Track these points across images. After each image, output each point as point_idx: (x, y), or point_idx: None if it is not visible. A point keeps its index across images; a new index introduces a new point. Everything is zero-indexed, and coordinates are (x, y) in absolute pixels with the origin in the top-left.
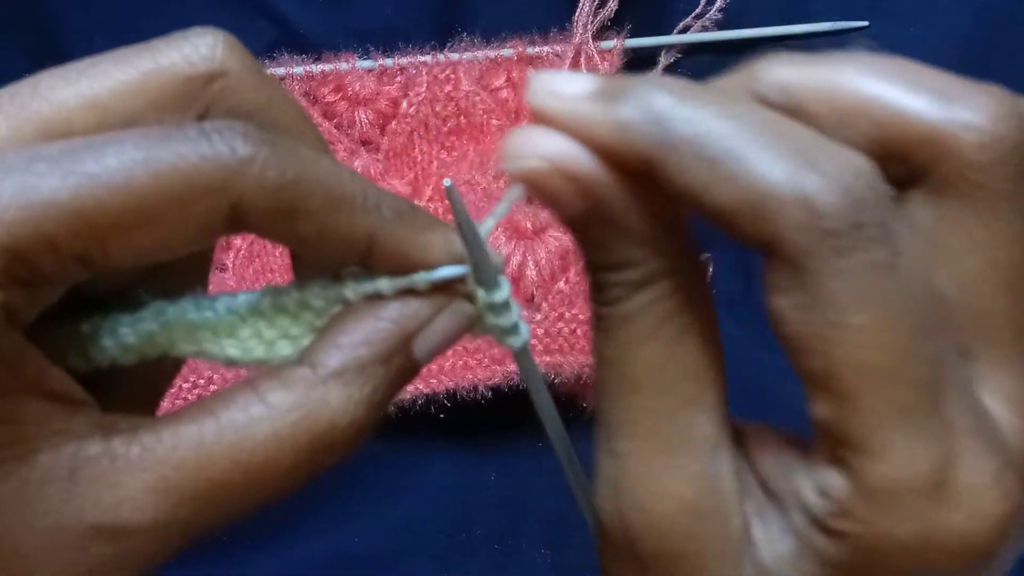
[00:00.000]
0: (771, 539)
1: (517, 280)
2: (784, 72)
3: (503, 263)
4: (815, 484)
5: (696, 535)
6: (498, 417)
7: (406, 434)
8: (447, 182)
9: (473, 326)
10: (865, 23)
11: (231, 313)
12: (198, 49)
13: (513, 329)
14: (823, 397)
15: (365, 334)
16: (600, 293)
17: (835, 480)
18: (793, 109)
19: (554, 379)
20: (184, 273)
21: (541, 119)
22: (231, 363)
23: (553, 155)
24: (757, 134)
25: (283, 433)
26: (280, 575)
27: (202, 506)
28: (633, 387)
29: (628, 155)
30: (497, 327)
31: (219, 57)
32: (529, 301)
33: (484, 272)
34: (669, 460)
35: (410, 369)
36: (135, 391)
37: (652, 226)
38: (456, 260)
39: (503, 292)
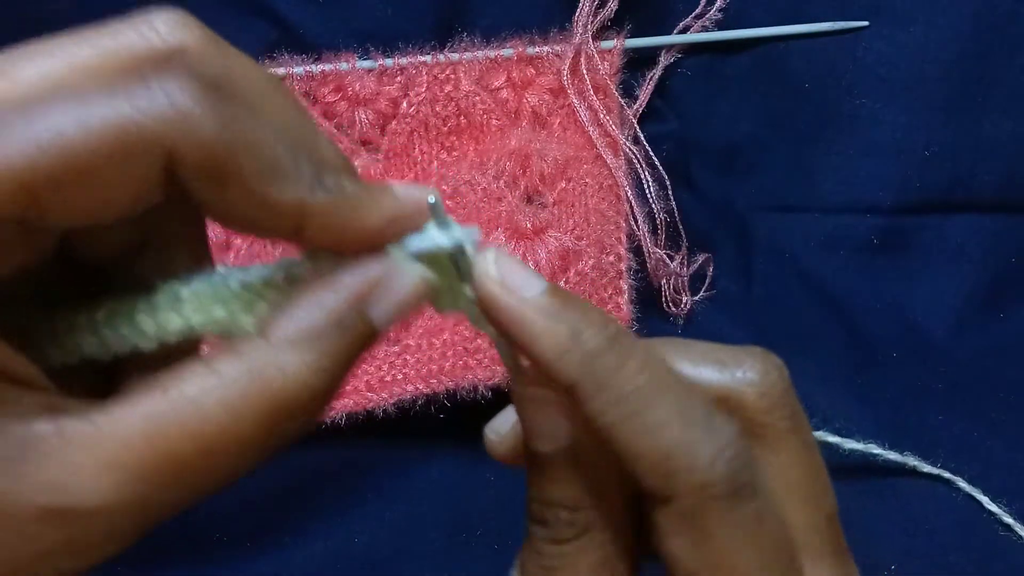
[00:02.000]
0: None
1: None
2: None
3: (477, 234)
4: None
5: None
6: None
7: (406, 434)
8: (432, 198)
9: (430, 290)
10: (865, 23)
11: (246, 288)
12: (156, 27)
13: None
14: None
15: (318, 301)
16: (547, 529)
17: None
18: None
19: None
20: (176, 245)
21: (488, 306)
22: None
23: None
24: (667, 393)
25: (235, 401)
26: (280, 575)
27: (156, 483)
28: None
29: (561, 373)
30: (470, 308)
31: (177, 34)
32: None
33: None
34: None
35: (368, 333)
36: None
37: (595, 478)
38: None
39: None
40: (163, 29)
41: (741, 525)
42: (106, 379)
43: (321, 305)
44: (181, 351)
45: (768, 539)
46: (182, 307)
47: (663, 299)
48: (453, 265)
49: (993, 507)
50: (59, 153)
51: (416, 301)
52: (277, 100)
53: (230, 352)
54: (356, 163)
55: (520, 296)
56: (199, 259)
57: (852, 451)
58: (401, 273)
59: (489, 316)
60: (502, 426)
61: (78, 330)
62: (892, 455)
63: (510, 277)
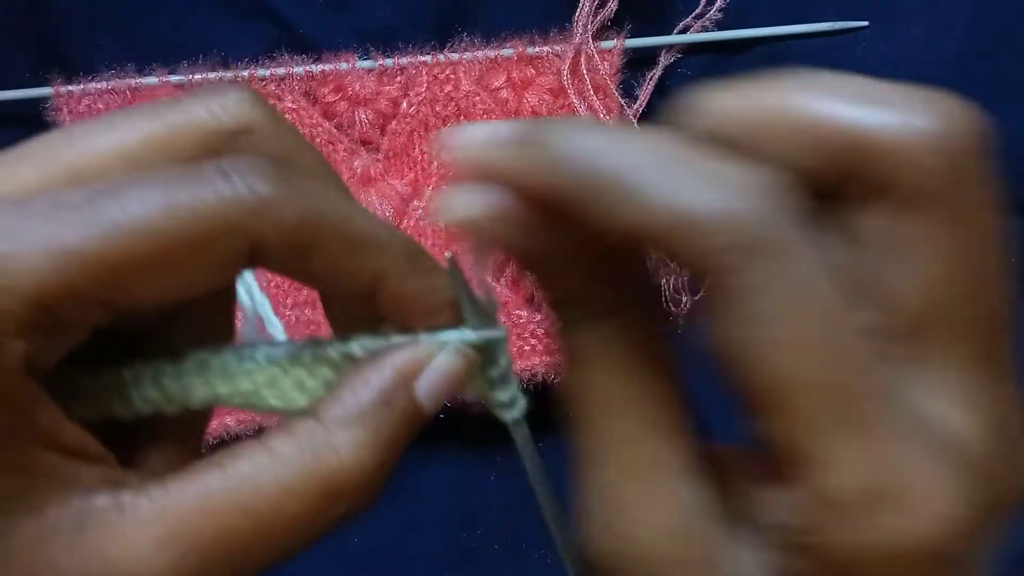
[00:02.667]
0: (746, 561)
1: (517, 280)
2: (726, 102)
3: (505, 337)
4: (779, 502)
5: (677, 561)
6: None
7: None
8: (450, 255)
9: (472, 367)
10: (865, 23)
11: (272, 363)
12: (225, 105)
13: (511, 403)
14: (766, 414)
15: (364, 380)
16: (562, 326)
17: (794, 496)
18: (738, 137)
19: (554, 379)
20: (209, 312)
21: (466, 170)
22: (273, 411)
23: (484, 206)
24: (676, 163)
25: (288, 479)
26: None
27: (210, 560)
28: (604, 418)
29: (558, 191)
30: (496, 399)
31: (244, 112)
32: (529, 301)
33: (486, 344)
34: (648, 489)
35: (415, 412)
36: (174, 439)
37: (599, 264)
38: (455, 308)
39: (502, 365)
40: (231, 107)
41: (789, 287)
42: (120, 436)
43: (368, 384)
44: (200, 414)
45: (834, 309)
46: (210, 377)
47: (663, 299)
48: (480, 353)
49: None
50: (148, 239)
51: (460, 380)
52: (332, 179)
53: (284, 431)
54: (356, 163)
55: (488, 149)
56: (226, 326)
57: None
58: (443, 352)
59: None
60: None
61: (105, 390)
62: None
63: (476, 138)
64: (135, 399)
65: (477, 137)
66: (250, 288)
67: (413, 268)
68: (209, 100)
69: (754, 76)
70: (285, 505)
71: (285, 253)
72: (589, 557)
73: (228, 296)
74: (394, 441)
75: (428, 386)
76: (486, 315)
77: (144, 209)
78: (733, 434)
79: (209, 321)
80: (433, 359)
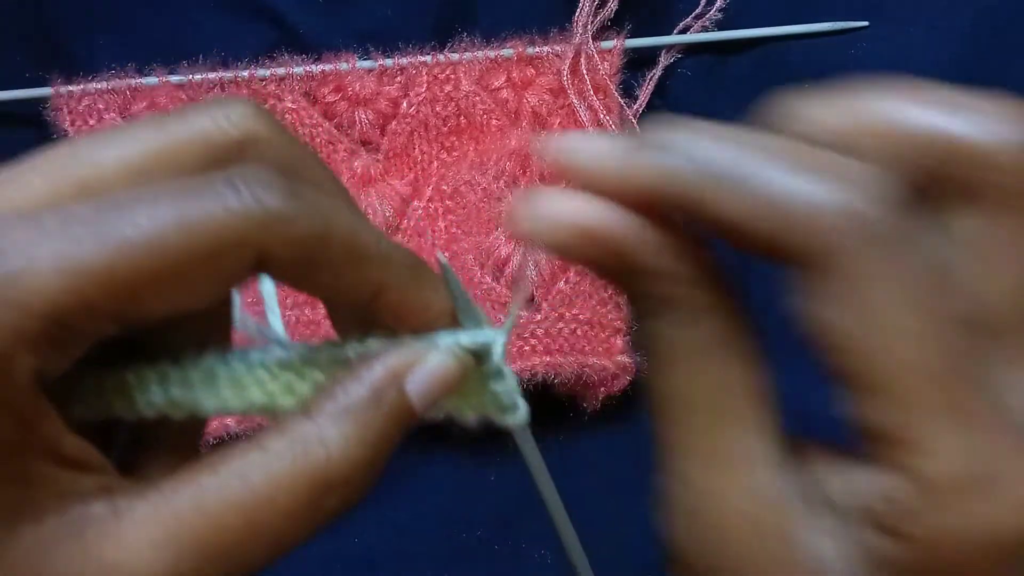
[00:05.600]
0: (837, 551)
1: (517, 280)
2: (818, 110)
3: (503, 345)
4: (875, 490)
5: (764, 550)
6: None
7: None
8: (442, 258)
9: (466, 369)
10: (865, 23)
11: (283, 369)
12: (229, 115)
13: (512, 408)
14: (873, 400)
15: (355, 377)
16: (646, 327)
17: (894, 483)
18: (832, 145)
19: (554, 379)
20: (209, 314)
21: (576, 178)
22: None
23: (582, 218)
24: (790, 160)
25: (279, 474)
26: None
27: (207, 559)
28: (690, 411)
29: (672, 199)
30: (497, 405)
31: (249, 123)
32: (529, 301)
33: (483, 351)
34: (732, 478)
35: (406, 409)
36: (174, 439)
37: (690, 264)
38: (453, 318)
39: (507, 381)
40: (237, 119)
41: (909, 277)
42: (118, 435)
43: (359, 381)
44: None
45: (948, 301)
46: (220, 389)
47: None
48: (477, 367)
49: None
50: (159, 252)
51: (453, 379)
52: (338, 186)
53: (275, 429)
54: (356, 163)
55: (592, 161)
56: (225, 327)
57: None
58: (436, 352)
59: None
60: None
61: (106, 391)
62: None
63: (581, 147)
64: (139, 403)
65: (589, 144)
66: (268, 295)
67: (414, 281)
68: (214, 111)
69: (839, 84)
70: (276, 500)
71: (291, 265)
72: (667, 547)
73: (227, 298)
74: (384, 438)
75: (419, 385)
76: (481, 318)
77: (154, 224)
78: (818, 419)
79: (208, 322)
80: (425, 358)
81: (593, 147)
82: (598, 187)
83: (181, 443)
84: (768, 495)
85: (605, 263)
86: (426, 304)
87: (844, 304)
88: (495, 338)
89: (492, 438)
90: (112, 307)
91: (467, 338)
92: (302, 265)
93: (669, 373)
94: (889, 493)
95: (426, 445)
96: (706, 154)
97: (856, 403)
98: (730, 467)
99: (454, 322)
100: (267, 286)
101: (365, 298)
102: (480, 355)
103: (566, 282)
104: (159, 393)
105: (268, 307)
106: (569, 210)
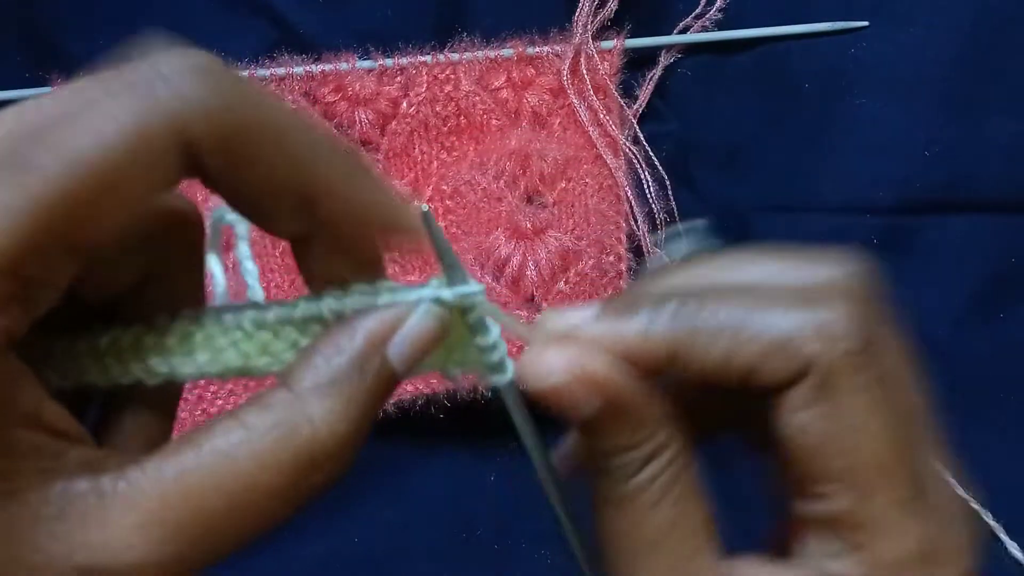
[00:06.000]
0: None
1: (517, 280)
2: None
3: (482, 290)
4: (829, 573)
5: None
6: (498, 417)
7: (406, 434)
8: (424, 208)
9: (446, 325)
10: (865, 23)
11: (259, 327)
12: (159, 65)
13: (499, 366)
14: (840, 493)
15: (336, 346)
16: (610, 474)
17: (849, 564)
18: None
19: None
20: (178, 277)
21: (568, 344)
22: (265, 374)
23: (575, 367)
24: (757, 296)
25: (263, 452)
26: (279, 574)
27: (191, 539)
28: (650, 549)
29: (653, 354)
30: (482, 361)
31: (176, 58)
32: (529, 301)
33: (468, 305)
34: None
35: (388, 376)
36: (150, 406)
37: (655, 406)
38: (398, 224)
39: (491, 335)
40: (165, 70)
41: (874, 385)
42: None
43: (340, 350)
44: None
45: (902, 404)
46: (191, 345)
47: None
48: (463, 322)
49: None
50: (89, 168)
51: (433, 340)
52: (274, 96)
53: (257, 405)
54: None
55: (585, 332)
56: (195, 293)
57: None
58: (415, 313)
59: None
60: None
61: (82, 357)
62: None
63: (564, 322)
64: (113, 368)
65: (570, 319)
66: (242, 256)
67: (357, 180)
68: (143, 63)
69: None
70: (261, 478)
71: (221, 160)
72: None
73: (196, 260)
74: (368, 408)
75: (401, 349)
76: (464, 272)
77: (77, 142)
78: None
79: (178, 286)
80: (405, 322)
81: (575, 320)
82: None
83: (158, 404)
84: None
85: (591, 410)
86: (374, 205)
87: (822, 411)
88: (477, 290)
89: (493, 438)
90: (61, 239)
91: (449, 292)
92: (231, 160)
93: (629, 513)
94: (841, 574)
95: (426, 445)
96: (688, 315)
97: (814, 498)
98: None
99: (398, 224)
100: (243, 248)
101: (305, 205)
102: (465, 309)
103: (566, 282)
104: (133, 358)
105: (244, 268)
106: (568, 359)
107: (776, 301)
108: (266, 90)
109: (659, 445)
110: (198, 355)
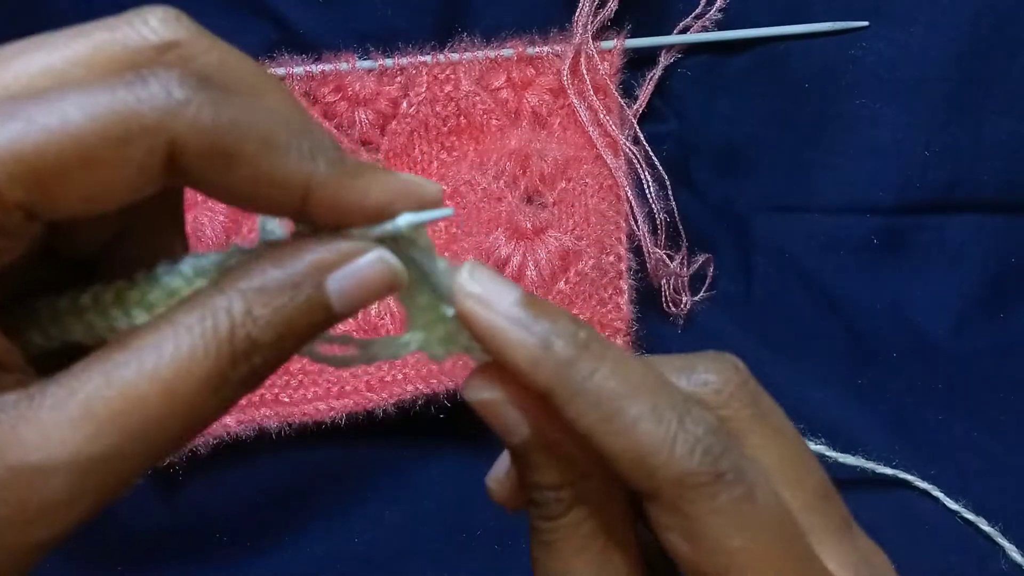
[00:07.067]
0: None
1: (518, 280)
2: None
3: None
4: None
5: None
6: None
7: (406, 434)
8: (404, 220)
9: (397, 279)
10: (865, 23)
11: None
12: (148, 21)
13: (447, 290)
14: None
15: (277, 261)
16: (539, 508)
17: None
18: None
19: None
20: (160, 233)
21: (466, 320)
22: None
23: (510, 389)
24: (640, 394)
25: (189, 344)
26: (279, 574)
27: (124, 432)
28: None
29: (536, 382)
30: (438, 294)
31: (170, 29)
32: None
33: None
34: None
35: (322, 305)
36: None
37: (582, 452)
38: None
39: (432, 258)
40: (156, 24)
41: (729, 511)
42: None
43: (280, 265)
44: None
45: (764, 520)
46: (171, 291)
47: (663, 299)
48: (432, 292)
49: (972, 516)
50: (66, 139)
51: (378, 284)
52: (269, 88)
53: (186, 303)
54: None
55: (494, 308)
56: (177, 244)
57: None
58: (363, 250)
59: (469, 331)
60: (499, 472)
61: (63, 315)
62: (886, 470)
63: (484, 288)
64: (95, 322)
65: (490, 294)
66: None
67: (342, 172)
68: (132, 18)
69: None
70: (186, 368)
71: (203, 158)
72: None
73: (176, 215)
74: (292, 327)
75: (341, 284)
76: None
77: (61, 111)
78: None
79: (160, 242)
80: (353, 255)
81: (493, 301)
82: (488, 344)
83: None
84: None
85: (519, 436)
86: (361, 194)
87: (684, 533)
88: (410, 218)
89: (492, 437)
90: (20, 196)
91: (404, 219)
92: (215, 158)
93: (555, 554)
94: None
95: (426, 445)
96: (573, 365)
97: None
98: None
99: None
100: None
101: (295, 202)
102: (420, 262)
103: (566, 282)
104: (117, 313)
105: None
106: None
107: (661, 401)
108: (260, 89)
109: (590, 490)
110: (174, 295)
